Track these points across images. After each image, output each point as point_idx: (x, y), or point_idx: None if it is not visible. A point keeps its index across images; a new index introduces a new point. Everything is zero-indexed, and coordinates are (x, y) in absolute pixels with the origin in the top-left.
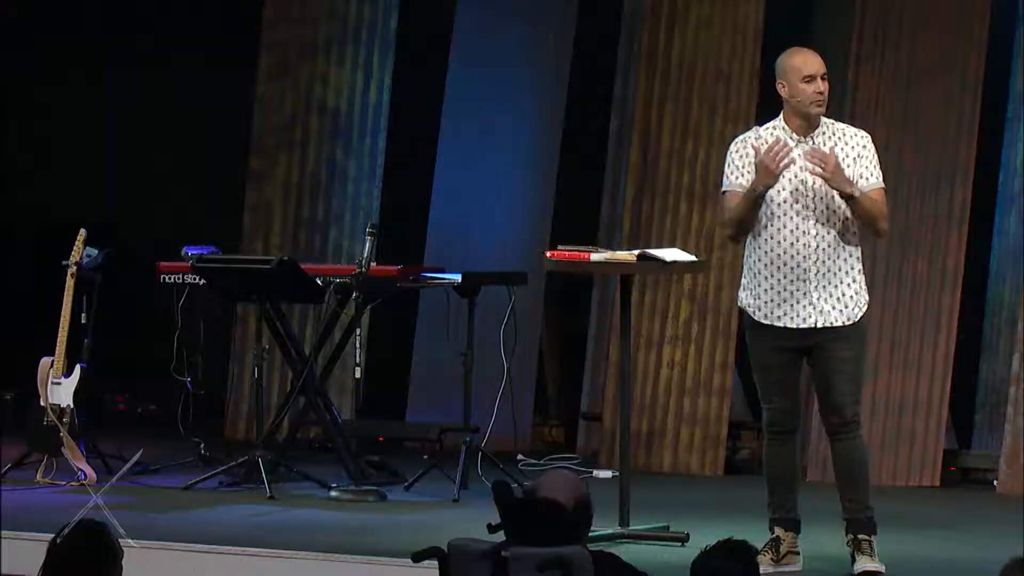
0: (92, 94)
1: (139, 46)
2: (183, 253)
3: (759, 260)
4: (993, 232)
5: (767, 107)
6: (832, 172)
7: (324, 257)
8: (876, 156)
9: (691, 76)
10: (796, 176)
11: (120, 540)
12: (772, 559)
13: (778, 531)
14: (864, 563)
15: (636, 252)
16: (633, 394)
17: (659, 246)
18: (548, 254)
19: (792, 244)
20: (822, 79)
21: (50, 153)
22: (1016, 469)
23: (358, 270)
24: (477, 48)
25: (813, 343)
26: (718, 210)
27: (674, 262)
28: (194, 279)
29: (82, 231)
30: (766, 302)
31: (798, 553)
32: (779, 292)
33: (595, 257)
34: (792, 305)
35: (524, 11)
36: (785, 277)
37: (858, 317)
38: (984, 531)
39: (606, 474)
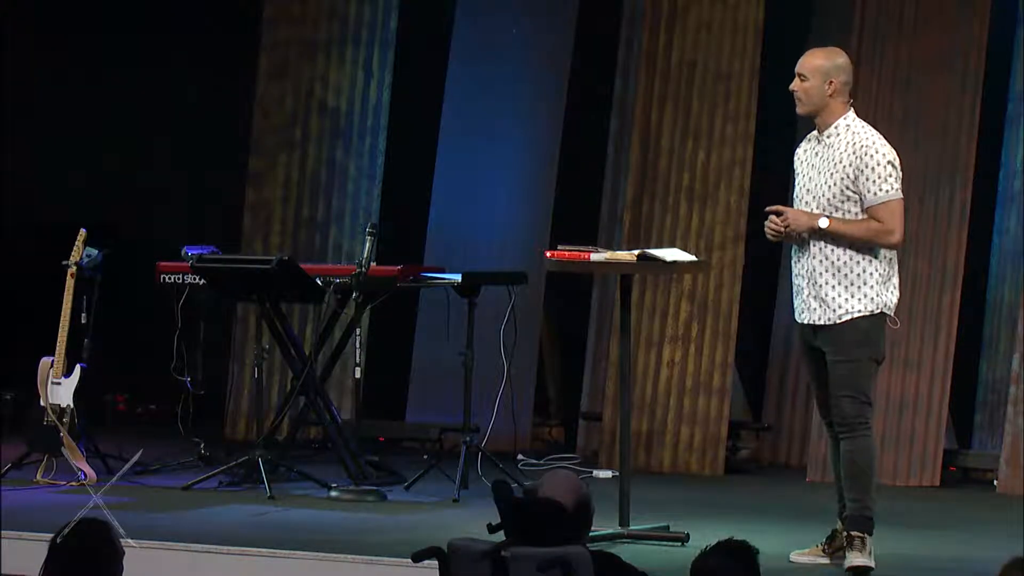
0: (92, 94)
1: (139, 46)
2: (183, 253)
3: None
4: (993, 232)
5: (767, 107)
6: (789, 227)
7: (324, 257)
8: (885, 167)
9: (691, 76)
10: (805, 174)
11: (120, 540)
12: (823, 549)
13: (839, 524)
14: (853, 558)
15: (636, 252)
16: (633, 394)
17: (659, 246)
18: (548, 254)
19: (796, 240)
20: (798, 77)
21: (50, 153)
22: (1016, 469)
23: (358, 270)
24: (477, 47)
25: (819, 342)
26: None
27: (674, 262)
28: (194, 279)
29: (82, 231)
30: (793, 296)
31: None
32: (793, 287)
33: (595, 257)
34: (799, 301)
35: (524, 11)
36: (794, 271)
37: (841, 319)
38: (984, 531)
39: (606, 474)
